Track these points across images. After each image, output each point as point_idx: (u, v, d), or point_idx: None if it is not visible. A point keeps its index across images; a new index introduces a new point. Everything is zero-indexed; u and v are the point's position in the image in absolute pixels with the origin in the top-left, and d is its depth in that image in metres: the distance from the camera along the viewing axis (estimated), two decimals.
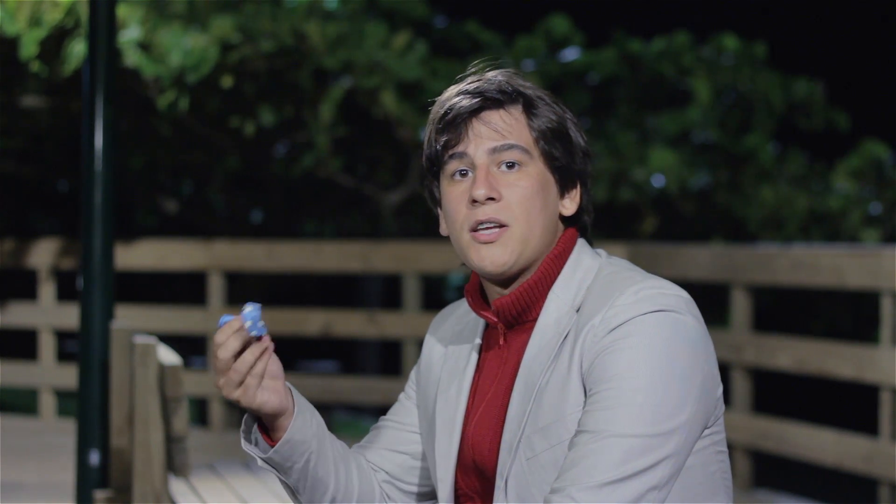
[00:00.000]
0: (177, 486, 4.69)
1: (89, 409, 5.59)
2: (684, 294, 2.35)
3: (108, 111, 5.64)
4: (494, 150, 2.36)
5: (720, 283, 8.42)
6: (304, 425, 2.38)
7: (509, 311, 2.38)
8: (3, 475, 7.86)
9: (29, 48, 9.39)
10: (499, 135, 2.36)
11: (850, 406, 10.66)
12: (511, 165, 2.36)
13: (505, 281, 2.39)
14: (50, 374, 10.47)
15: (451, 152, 2.38)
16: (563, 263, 2.39)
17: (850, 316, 11.28)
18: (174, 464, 4.47)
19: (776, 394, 11.31)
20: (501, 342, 2.42)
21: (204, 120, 10.64)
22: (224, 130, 10.79)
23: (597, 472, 2.19)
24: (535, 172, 2.36)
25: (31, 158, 12.24)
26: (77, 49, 9.34)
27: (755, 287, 8.13)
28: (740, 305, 7.99)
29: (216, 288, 9.95)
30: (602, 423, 2.22)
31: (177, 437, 4.39)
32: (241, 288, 11.33)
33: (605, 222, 11.31)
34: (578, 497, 2.18)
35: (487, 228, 2.35)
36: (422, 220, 11.61)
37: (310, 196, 11.97)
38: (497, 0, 17.03)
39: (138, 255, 10.28)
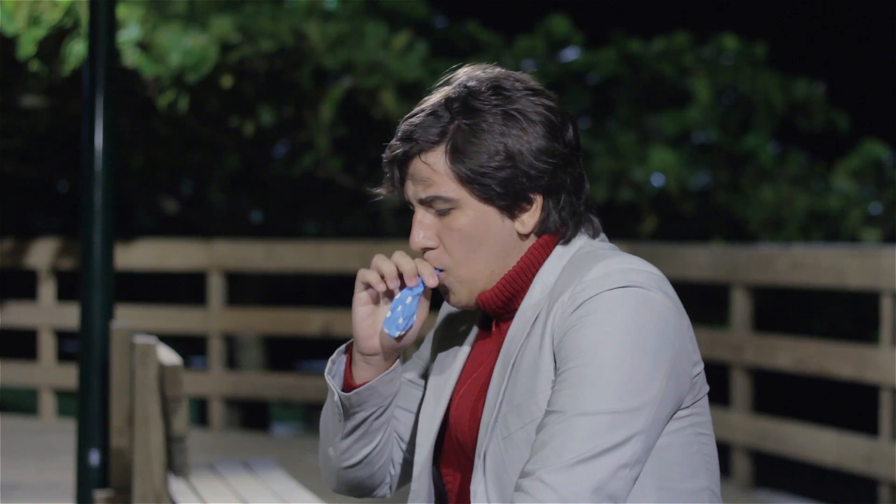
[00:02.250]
0: (177, 486, 4.68)
1: (89, 409, 5.59)
2: (655, 271, 2.31)
3: (108, 111, 5.64)
4: (422, 201, 2.37)
5: (720, 283, 8.43)
6: (392, 382, 2.42)
7: (493, 303, 2.38)
8: (3, 475, 7.86)
9: (27, 47, 9.39)
10: (422, 187, 2.36)
11: (850, 406, 10.66)
12: (442, 212, 2.36)
13: None
14: (50, 374, 10.47)
15: (400, 193, 2.42)
16: (550, 251, 2.38)
17: (850, 316, 11.28)
18: (174, 464, 4.47)
19: (776, 394, 11.31)
20: (494, 328, 2.43)
21: (204, 120, 10.64)
22: (224, 130, 10.79)
23: (565, 452, 2.18)
24: (469, 212, 2.35)
25: (31, 158, 12.24)
26: (76, 49, 9.34)
27: (755, 287, 8.13)
28: (740, 305, 7.99)
29: (216, 288, 9.95)
30: (568, 402, 2.21)
31: (177, 437, 4.39)
32: (241, 288, 11.33)
33: (605, 222, 11.24)
34: (548, 480, 2.18)
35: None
36: None
37: (310, 196, 11.97)
38: (497, 0, 17.02)
39: (138, 255, 10.28)
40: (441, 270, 2.38)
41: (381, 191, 2.44)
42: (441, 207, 2.35)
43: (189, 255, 10.14)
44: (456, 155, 2.33)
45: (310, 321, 9.96)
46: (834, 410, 10.84)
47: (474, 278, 2.37)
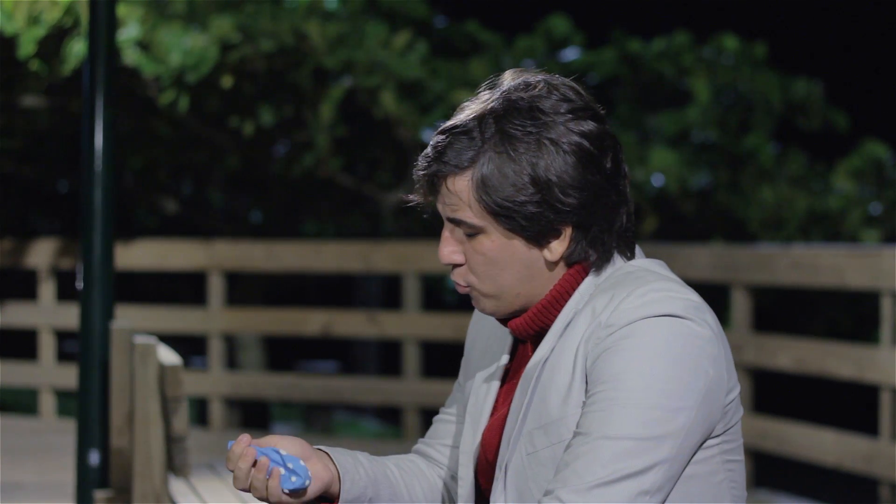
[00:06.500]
0: (177, 486, 4.68)
1: (89, 409, 5.59)
2: (695, 297, 2.29)
3: (108, 111, 5.64)
4: (449, 220, 2.34)
5: (720, 283, 8.42)
6: (354, 484, 2.40)
7: (525, 332, 2.37)
8: (3, 475, 7.86)
9: (27, 47, 9.39)
10: (449, 208, 2.32)
11: (850, 406, 10.66)
12: (468, 234, 2.33)
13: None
14: (50, 374, 10.47)
15: (430, 204, 2.38)
16: (582, 279, 2.35)
17: (850, 316, 11.28)
18: (174, 464, 4.47)
19: (776, 394, 11.31)
20: (524, 353, 2.41)
21: (204, 120, 10.64)
22: (224, 130, 10.79)
23: (586, 474, 2.17)
24: (494, 238, 2.31)
25: (31, 158, 12.24)
26: (76, 48, 9.34)
27: (755, 287, 8.12)
28: (740, 305, 7.99)
29: (216, 288, 9.95)
30: (594, 424, 2.20)
31: (177, 437, 4.39)
32: (241, 288, 11.33)
33: None
34: (567, 499, 2.16)
35: (459, 285, 2.37)
36: (422, 220, 11.63)
37: (310, 196, 11.97)
38: (497, 0, 17.03)
39: (138, 255, 10.28)
40: (468, 286, 2.36)
41: (413, 197, 2.39)
42: (465, 232, 2.32)
43: (189, 255, 10.14)
44: (482, 186, 2.28)
45: (310, 321, 9.96)
46: (834, 410, 10.83)
47: (499, 295, 2.34)
